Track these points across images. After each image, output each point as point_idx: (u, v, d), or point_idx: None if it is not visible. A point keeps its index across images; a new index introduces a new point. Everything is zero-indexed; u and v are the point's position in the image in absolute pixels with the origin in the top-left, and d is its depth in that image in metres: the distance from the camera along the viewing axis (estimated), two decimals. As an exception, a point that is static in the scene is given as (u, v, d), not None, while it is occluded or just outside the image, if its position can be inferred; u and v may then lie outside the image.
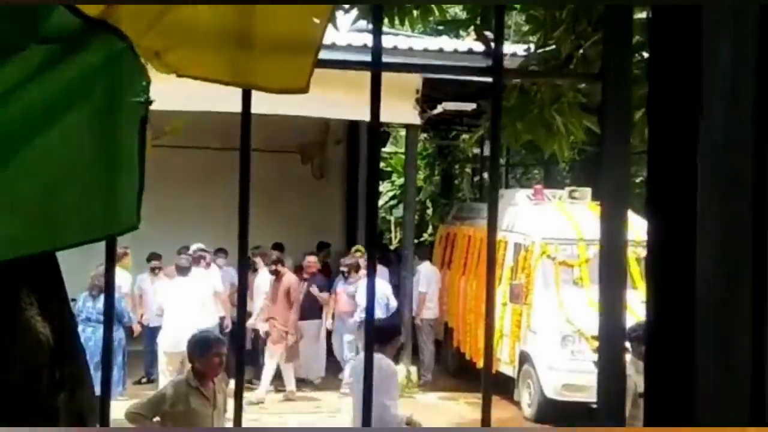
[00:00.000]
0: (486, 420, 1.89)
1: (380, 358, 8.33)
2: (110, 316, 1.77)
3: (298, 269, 16.28)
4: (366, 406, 1.84)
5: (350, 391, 9.74)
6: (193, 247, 15.81)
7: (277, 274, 14.93)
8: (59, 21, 1.60)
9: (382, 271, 16.06)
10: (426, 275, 16.94)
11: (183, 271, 14.15)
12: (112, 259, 1.67)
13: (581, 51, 7.18)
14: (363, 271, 15.42)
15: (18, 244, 1.67)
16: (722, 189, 1.57)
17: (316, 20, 1.63)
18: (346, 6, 7.13)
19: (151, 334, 14.83)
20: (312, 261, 16.13)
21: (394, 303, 15.44)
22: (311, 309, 15.63)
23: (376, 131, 1.73)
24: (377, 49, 1.66)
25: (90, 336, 12.50)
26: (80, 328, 11.28)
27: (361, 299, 15.31)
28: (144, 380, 15.01)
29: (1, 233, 1.64)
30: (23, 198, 1.63)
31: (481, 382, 2.03)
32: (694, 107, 1.56)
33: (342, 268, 15.97)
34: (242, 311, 1.93)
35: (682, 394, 1.57)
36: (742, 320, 1.57)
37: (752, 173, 1.58)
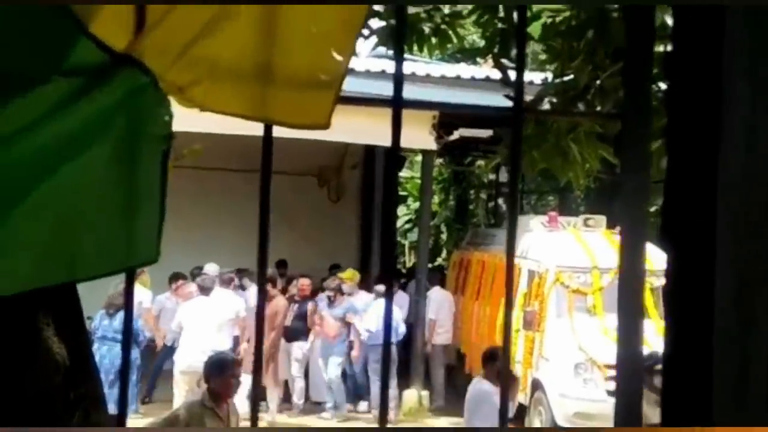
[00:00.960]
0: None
1: (479, 381, 8.41)
2: (128, 340, 1.78)
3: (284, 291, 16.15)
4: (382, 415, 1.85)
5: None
6: (208, 267, 15.82)
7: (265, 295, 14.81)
8: (84, 55, 1.62)
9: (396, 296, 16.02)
10: (437, 300, 16.89)
11: (205, 291, 14.18)
12: (131, 290, 1.68)
13: (598, 82, 7.20)
14: (349, 296, 15.46)
15: (33, 276, 1.69)
16: (741, 220, 1.57)
17: (338, 57, 1.65)
18: (366, 32, 7.17)
19: (166, 353, 14.82)
20: (305, 284, 15.97)
21: (402, 328, 15.42)
22: (304, 330, 15.40)
23: (395, 161, 1.74)
24: (398, 87, 1.67)
25: (105, 354, 12.52)
26: (95, 346, 11.30)
27: (368, 321, 15.35)
28: (146, 399, 14.98)
29: (19, 266, 1.65)
30: (41, 231, 1.65)
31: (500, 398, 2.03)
32: (713, 139, 1.56)
33: (328, 293, 15.77)
34: (260, 332, 1.94)
35: (700, 425, 1.57)
36: (760, 350, 1.58)
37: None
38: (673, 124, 1.67)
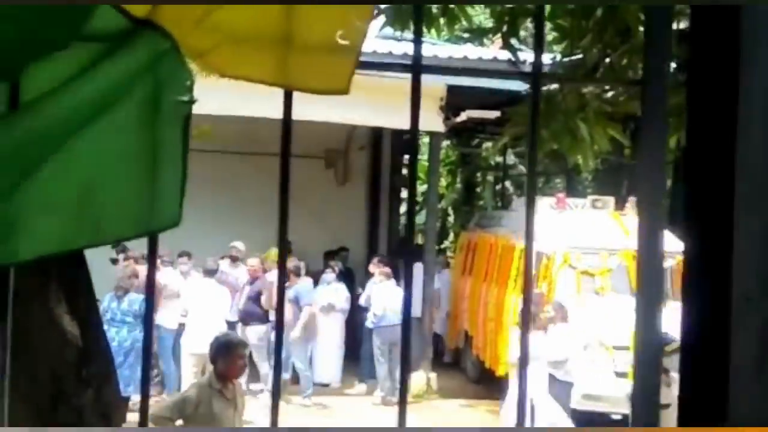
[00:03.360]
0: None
1: None
2: (151, 313, 1.79)
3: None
4: (400, 414, 1.85)
5: None
6: (235, 243, 15.96)
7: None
8: (104, 20, 1.62)
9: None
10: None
11: (210, 273, 14.23)
12: (154, 256, 1.68)
13: (608, 60, 7.18)
14: (301, 277, 15.33)
15: (59, 239, 1.69)
16: (760, 198, 1.56)
17: (358, 22, 1.65)
18: (374, 12, 7.14)
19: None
20: (253, 265, 15.67)
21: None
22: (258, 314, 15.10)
23: (415, 134, 1.73)
24: (418, 53, 1.67)
25: (113, 336, 12.53)
26: (105, 328, 11.31)
27: (375, 305, 15.46)
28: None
29: (43, 229, 1.66)
30: (65, 194, 1.66)
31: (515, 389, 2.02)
32: (731, 114, 1.56)
33: (259, 274, 15.55)
34: (280, 315, 1.94)
35: (717, 404, 1.56)
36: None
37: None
38: (692, 101, 1.65)
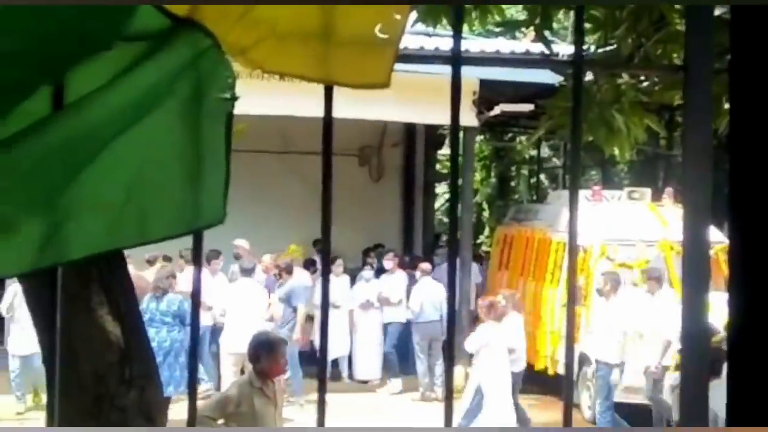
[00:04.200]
0: (567, 422, 1.88)
1: None
2: (197, 312, 1.79)
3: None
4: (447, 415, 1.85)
5: None
6: (238, 241, 15.96)
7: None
8: (146, 20, 1.63)
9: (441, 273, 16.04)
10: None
11: (247, 272, 14.27)
12: (199, 254, 1.69)
13: (642, 50, 7.13)
14: (293, 274, 15.17)
15: (107, 239, 1.70)
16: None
17: (397, 15, 1.65)
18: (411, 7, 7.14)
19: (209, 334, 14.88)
20: (266, 261, 15.83)
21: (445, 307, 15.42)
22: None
23: (456, 129, 1.72)
24: (457, 45, 1.66)
25: (153, 337, 12.59)
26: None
27: (412, 301, 15.53)
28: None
29: (91, 229, 1.67)
30: (111, 194, 1.67)
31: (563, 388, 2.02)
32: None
33: (273, 272, 15.62)
34: (325, 316, 1.94)
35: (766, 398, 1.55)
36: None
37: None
38: (735, 89, 1.64)
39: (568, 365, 1.82)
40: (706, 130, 1.67)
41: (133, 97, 1.60)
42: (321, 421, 1.79)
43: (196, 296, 1.79)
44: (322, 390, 1.75)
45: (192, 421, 1.77)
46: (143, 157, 1.67)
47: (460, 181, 19.21)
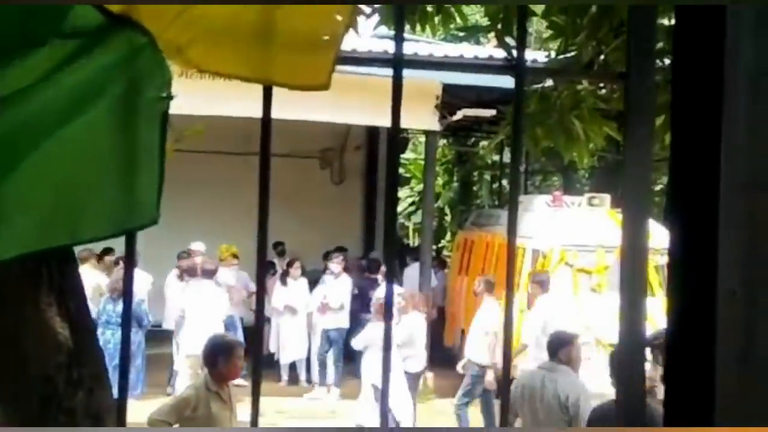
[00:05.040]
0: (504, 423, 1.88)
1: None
2: (128, 314, 1.76)
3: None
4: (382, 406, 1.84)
5: None
6: (195, 245, 15.87)
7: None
8: (82, 17, 1.60)
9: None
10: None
11: (208, 273, 14.19)
12: (132, 255, 1.66)
13: (602, 57, 7.17)
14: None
15: (37, 238, 1.67)
16: (745, 193, 1.56)
17: (338, 17, 1.63)
18: (368, 11, 7.13)
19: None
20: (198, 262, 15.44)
21: None
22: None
23: (396, 132, 1.71)
24: (399, 47, 1.65)
25: (110, 339, 12.55)
26: (100, 330, 11.31)
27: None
28: None
29: (21, 227, 1.64)
30: (42, 193, 1.64)
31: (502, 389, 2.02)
32: (717, 111, 1.55)
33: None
34: (260, 314, 1.92)
35: (703, 402, 1.56)
36: (765, 328, 1.56)
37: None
38: (677, 98, 1.64)
39: (506, 361, 1.81)
40: (646, 137, 1.68)
41: (66, 95, 1.58)
42: (254, 422, 1.78)
43: (128, 298, 1.75)
44: (255, 393, 1.73)
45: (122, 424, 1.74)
46: (75, 156, 1.64)
47: (419, 187, 19.24)
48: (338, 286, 16.07)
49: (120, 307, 12.75)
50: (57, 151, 1.61)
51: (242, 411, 12.72)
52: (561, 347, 8.28)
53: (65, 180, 1.65)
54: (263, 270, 1.83)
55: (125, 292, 1.72)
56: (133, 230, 1.67)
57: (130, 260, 1.63)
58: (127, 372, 2.00)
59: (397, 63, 1.66)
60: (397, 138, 1.76)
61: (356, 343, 12.77)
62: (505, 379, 1.81)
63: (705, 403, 1.56)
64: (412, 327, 12.68)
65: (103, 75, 1.61)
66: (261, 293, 1.82)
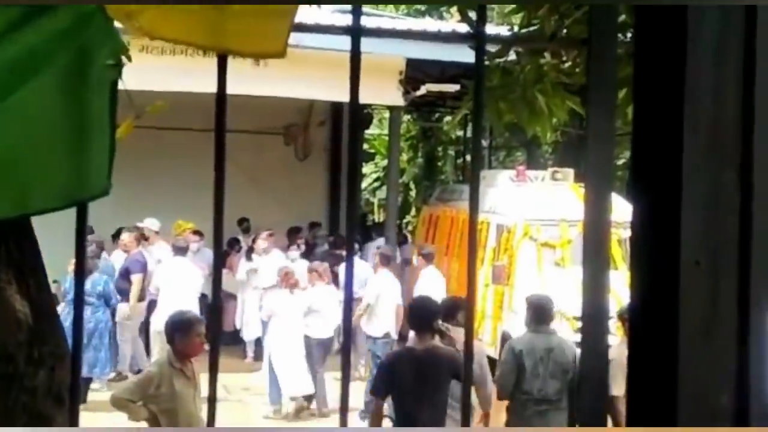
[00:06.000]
0: (466, 403, 1.87)
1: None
2: (81, 290, 1.71)
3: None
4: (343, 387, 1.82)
5: None
6: (147, 221, 15.75)
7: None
8: (28, -17, 1.55)
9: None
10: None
11: (181, 251, 14.12)
12: (83, 228, 1.61)
13: (564, 30, 7.16)
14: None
15: None
16: (708, 167, 1.55)
17: (293, -17, 1.60)
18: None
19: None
20: (124, 239, 15.16)
21: None
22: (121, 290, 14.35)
23: (356, 106, 1.67)
24: (357, 17, 1.62)
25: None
26: (66, 309, 11.17)
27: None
28: None
29: None
30: None
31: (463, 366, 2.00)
32: (680, 84, 1.53)
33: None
34: (217, 291, 1.89)
35: (666, 373, 1.55)
36: (728, 303, 1.56)
37: (739, 151, 1.55)
38: (639, 70, 1.63)
39: (468, 335, 1.80)
40: (609, 107, 1.66)
41: (13, 62, 1.52)
42: (212, 396, 1.76)
43: (79, 274, 1.71)
44: (214, 365, 1.70)
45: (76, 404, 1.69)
46: (22, 127, 1.59)
47: (384, 163, 19.21)
48: (269, 262, 15.71)
49: (87, 285, 12.66)
50: (4, 119, 1.56)
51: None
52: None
53: (12, 149, 1.59)
54: (219, 248, 1.79)
55: (77, 268, 1.68)
56: (84, 201, 1.62)
57: (81, 234, 1.58)
58: (80, 351, 1.96)
59: (356, 33, 1.62)
60: (356, 110, 1.71)
61: (262, 313, 13.51)
62: (467, 348, 1.79)
63: (668, 375, 1.55)
64: (317, 297, 12.95)
65: (51, 42, 1.55)
66: (218, 274, 1.79)
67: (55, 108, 1.57)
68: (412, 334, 8.14)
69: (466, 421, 1.79)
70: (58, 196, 1.60)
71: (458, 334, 8.11)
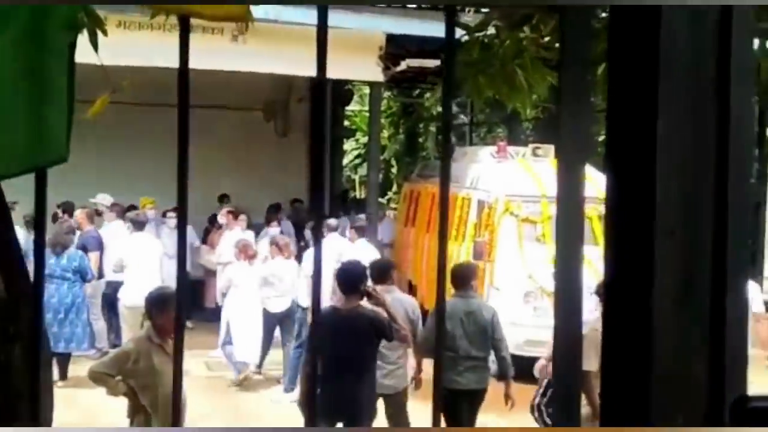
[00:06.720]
0: (437, 378, 1.85)
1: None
2: (41, 254, 1.67)
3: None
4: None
5: None
6: (99, 197, 15.67)
7: None
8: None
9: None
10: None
11: (139, 225, 14.03)
12: (42, 194, 1.57)
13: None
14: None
15: None
16: (682, 136, 1.53)
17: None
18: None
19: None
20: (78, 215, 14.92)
21: None
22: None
23: (323, 80, 1.64)
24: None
25: (53, 293, 12.40)
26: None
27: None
28: None
29: None
30: None
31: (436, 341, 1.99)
32: (654, 53, 1.52)
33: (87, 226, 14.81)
34: (182, 269, 1.86)
35: (640, 343, 1.54)
36: (703, 273, 1.55)
37: (714, 121, 1.54)
38: (614, 45, 1.61)
39: (439, 305, 1.77)
40: (583, 77, 1.64)
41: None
42: (177, 370, 1.73)
43: (39, 248, 1.67)
44: (179, 344, 1.67)
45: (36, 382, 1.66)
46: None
47: (365, 139, 19.16)
48: (226, 239, 15.70)
49: (64, 261, 12.65)
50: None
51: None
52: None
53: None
54: (184, 225, 1.77)
55: (37, 235, 1.64)
56: (42, 167, 1.57)
57: (41, 201, 1.54)
58: (41, 327, 1.93)
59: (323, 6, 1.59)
60: (323, 86, 1.69)
61: (219, 285, 13.99)
62: (438, 318, 1.77)
63: (643, 346, 1.54)
64: (274, 270, 13.08)
65: (4, 6, 1.51)
66: (182, 251, 1.76)
67: (10, 71, 1.53)
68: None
69: (437, 421, 1.77)
70: (15, 162, 1.55)
71: (387, 295, 8.59)
